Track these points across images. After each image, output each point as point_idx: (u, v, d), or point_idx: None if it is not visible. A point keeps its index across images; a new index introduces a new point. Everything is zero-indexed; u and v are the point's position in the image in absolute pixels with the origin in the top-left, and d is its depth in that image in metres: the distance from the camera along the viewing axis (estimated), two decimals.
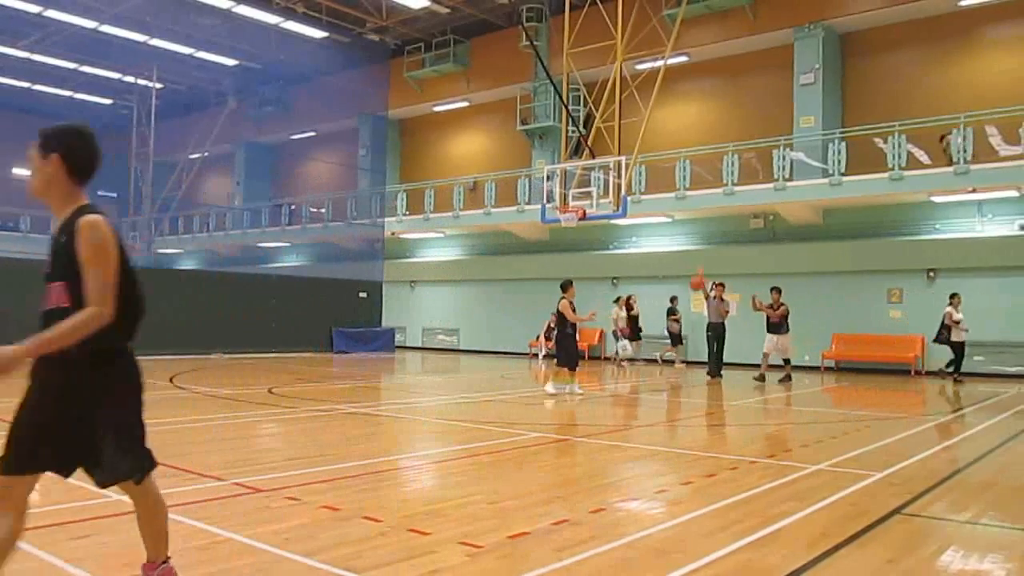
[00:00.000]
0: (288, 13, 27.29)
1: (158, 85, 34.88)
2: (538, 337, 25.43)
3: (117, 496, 5.37)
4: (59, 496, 5.56)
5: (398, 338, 29.03)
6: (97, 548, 4.35)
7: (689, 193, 22.86)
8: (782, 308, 17.25)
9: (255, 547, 4.37)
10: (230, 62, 33.11)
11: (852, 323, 21.54)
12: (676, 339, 22.31)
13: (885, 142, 20.20)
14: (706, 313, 18.54)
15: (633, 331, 22.41)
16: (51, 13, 27.50)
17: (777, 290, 17.50)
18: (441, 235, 29.96)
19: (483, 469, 7.16)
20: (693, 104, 26.25)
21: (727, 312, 18.34)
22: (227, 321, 22.83)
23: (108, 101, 37.92)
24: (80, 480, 5.82)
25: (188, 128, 35.50)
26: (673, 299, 22.28)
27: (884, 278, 21.22)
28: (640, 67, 20.81)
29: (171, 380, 14.73)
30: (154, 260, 36.05)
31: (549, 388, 13.65)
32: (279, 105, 35.45)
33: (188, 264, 38.71)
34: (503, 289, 28.26)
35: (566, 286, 13.64)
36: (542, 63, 21.23)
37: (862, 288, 21.53)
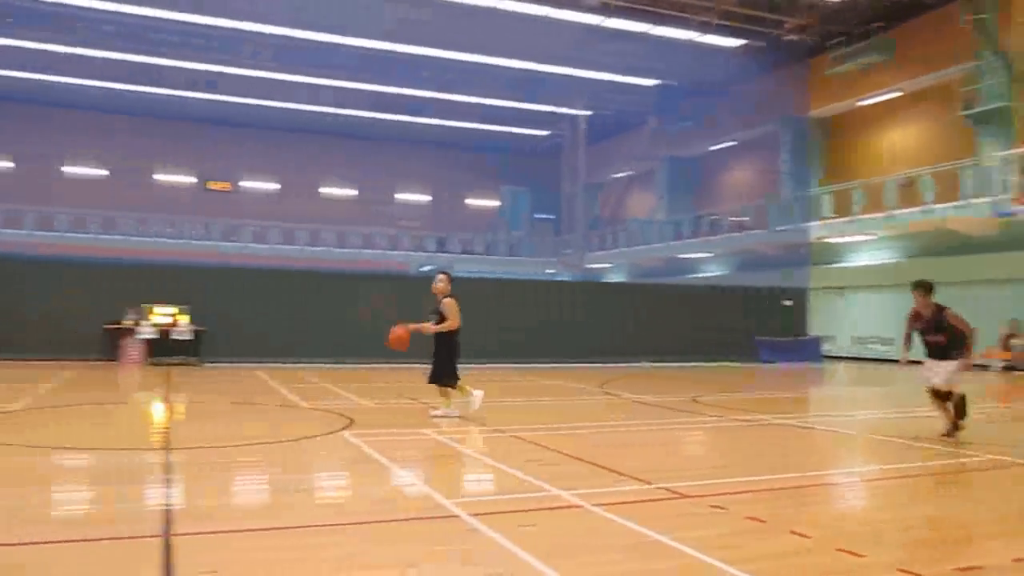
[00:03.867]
0: (704, 27, 27.65)
1: (586, 113, 37.62)
2: (991, 347, 22.44)
3: (556, 491, 5.90)
4: (513, 486, 6.27)
5: (825, 347, 27.62)
6: (541, 537, 4.80)
7: None
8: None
9: (680, 550, 4.50)
10: (650, 82, 34.49)
11: None
12: None
13: None
14: None
15: None
16: (491, 59, 31.29)
17: None
18: (872, 237, 27.90)
19: (922, 491, 6.54)
20: None
21: None
22: (652, 331, 23.66)
23: (544, 132, 41.75)
24: (531, 474, 6.48)
25: (613, 150, 37.65)
26: None
27: None
28: None
29: (602, 386, 15.69)
30: (585, 275, 38.80)
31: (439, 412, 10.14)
32: (698, 118, 36.00)
33: (616, 277, 40.89)
34: (946, 294, 25.32)
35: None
36: (988, 38, 18.74)
37: None
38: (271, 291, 19.88)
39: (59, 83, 34.97)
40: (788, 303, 26.41)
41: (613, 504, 5.54)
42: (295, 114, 39.08)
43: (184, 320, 18.83)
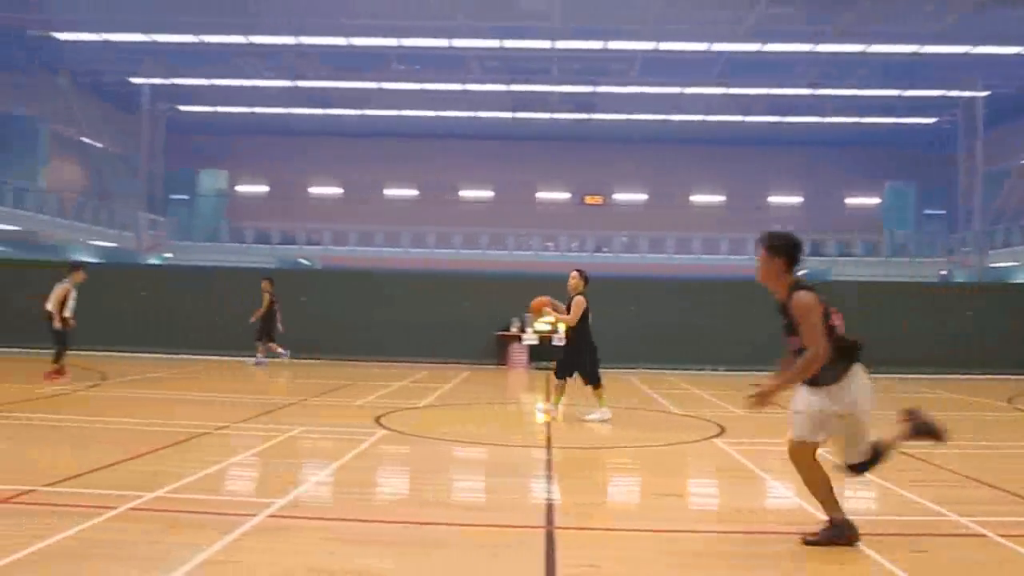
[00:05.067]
0: None
1: (983, 93, 33.45)
2: None
3: (952, 515, 5.36)
4: (897, 507, 5.82)
5: None
6: (935, 565, 4.41)
7: None
8: None
9: None
10: None
11: None
12: None
13: None
14: None
15: None
16: (867, 47, 29.15)
17: None
18: None
19: None
20: None
21: None
22: None
23: (931, 120, 37.91)
24: (918, 495, 5.98)
25: (1019, 131, 33.04)
26: None
27: None
28: None
29: (1008, 401, 13.82)
30: (986, 275, 34.40)
31: (594, 416, 10.35)
32: None
33: None
34: None
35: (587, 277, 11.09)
36: None
37: None
38: (637, 299, 20.32)
39: (450, 117, 39.56)
40: None
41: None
42: (662, 125, 39.88)
43: (562, 327, 20.04)
